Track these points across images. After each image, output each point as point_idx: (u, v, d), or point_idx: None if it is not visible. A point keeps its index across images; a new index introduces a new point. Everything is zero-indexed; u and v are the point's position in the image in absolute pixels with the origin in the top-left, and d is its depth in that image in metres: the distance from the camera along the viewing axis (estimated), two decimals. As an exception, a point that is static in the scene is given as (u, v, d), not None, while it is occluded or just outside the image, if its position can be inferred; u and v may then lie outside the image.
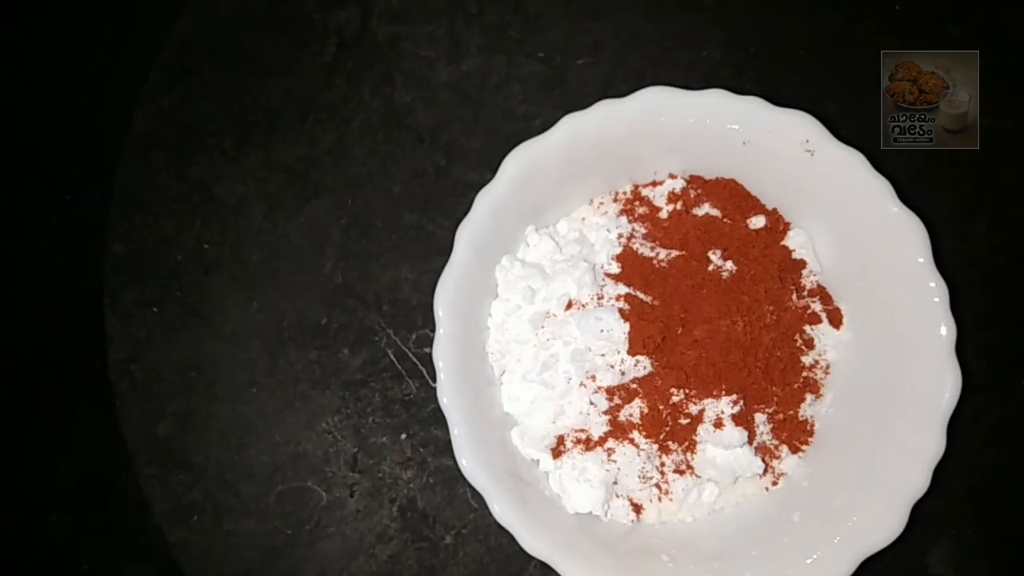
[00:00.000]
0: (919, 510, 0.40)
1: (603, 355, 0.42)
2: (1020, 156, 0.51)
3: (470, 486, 0.40)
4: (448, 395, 0.41)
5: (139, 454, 0.50)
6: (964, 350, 0.40)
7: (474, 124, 0.53)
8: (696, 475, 0.44)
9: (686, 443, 0.43)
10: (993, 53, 0.49)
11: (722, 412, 0.42)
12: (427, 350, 0.51)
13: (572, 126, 0.42)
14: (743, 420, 0.43)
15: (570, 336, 0.43)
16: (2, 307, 0.51)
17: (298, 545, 0.49)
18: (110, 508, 0.51)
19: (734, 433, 0.42)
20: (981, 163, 0.51)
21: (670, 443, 0.43)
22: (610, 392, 0.43)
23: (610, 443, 0.43)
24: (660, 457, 0.43)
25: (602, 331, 0.42)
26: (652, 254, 0.45)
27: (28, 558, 0.50)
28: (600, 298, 0.43)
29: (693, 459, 0.44)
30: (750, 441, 0.43)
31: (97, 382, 0.50)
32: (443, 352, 0.41)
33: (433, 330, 0.50)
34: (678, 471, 0.44)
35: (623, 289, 0.43)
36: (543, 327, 0.44)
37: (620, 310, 0.42)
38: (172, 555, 0.49)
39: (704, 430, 0.43)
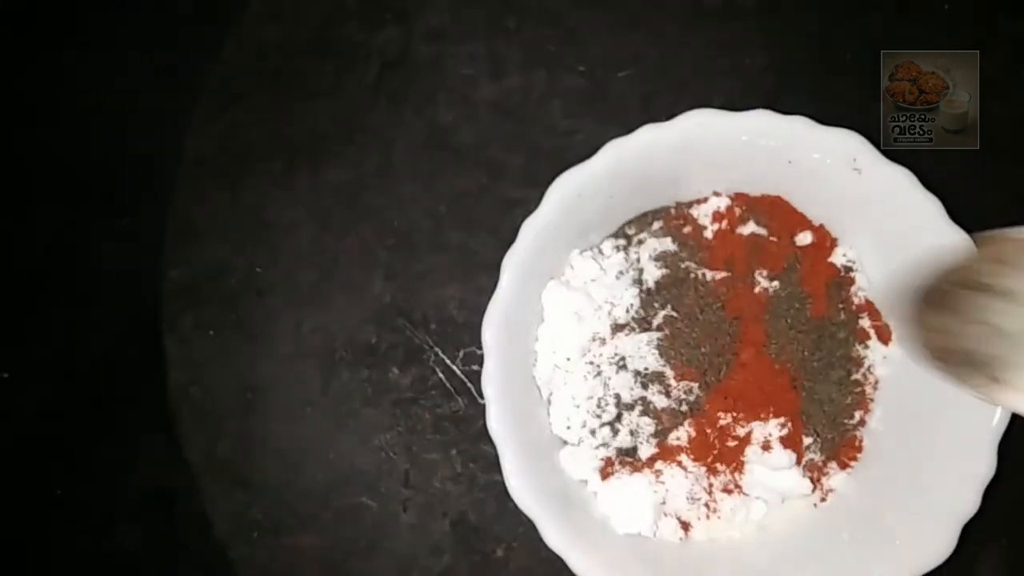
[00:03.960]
0: (969, 521, 0.40)
1: (650, 380, 0.43)
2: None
3: (519, 500, 0.41)
4: (497, 421, 0.41)
5: (201, 474, 0.51)
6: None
7: (516, 141, 0.53)
8: (744, 493, 0.44)
9: (734, 464, 0.43)
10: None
11: (770, 435, 0.43)
12: (474, 367, 0.51)
13: (616, 151, 0.42)
14: (791, 442, 0.43)
15: (617, 360, 0.43)
16: (67, 331, 0.53)
17: (354, 559, 0.51)
18: (174, 523, 0.53)
19: (782, 456, 0.42)
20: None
21: (718, 465, 0.43)
22: (657, 415, 0.43)
23: (658, 465, 0.43)
24: (708, 478, 0.43)
25: (648, 356, 0.42)
26: (698, 275, 0.45)
27: (97, 568, 0.53)
28: (646, 321, 0.44)
29: (741, 478, 0.44)
30: (798, 462, 0.43)
31: (158, 404, 0.52)
32: (492, 380, 0.42)
33: (479, 347, 0.51)
34: (726, 490, 0.44)
35: (670, 313, 0.43)
36: (590, 351, 0.44)
37: (666, 335, 0.42)
38: (235, 570, 0.51)
39: (752, 451, 0.43)
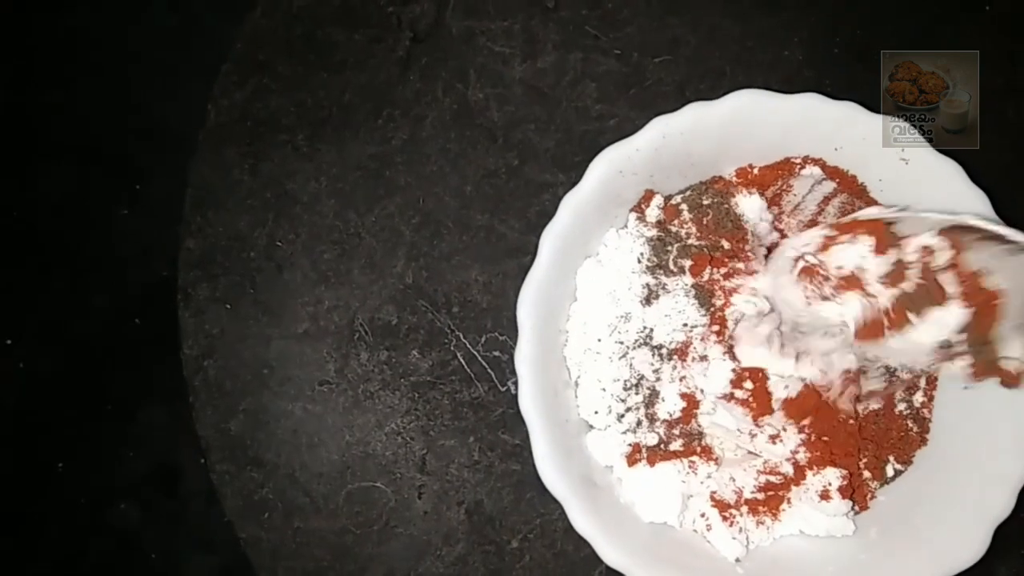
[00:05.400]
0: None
1: (673, 351, 0.42)
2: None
3: (536, 491, 0.40)
4: (529, 400, 0.40)
5: (212, 450, 0.50)
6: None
7: (548, 123, 0.52)
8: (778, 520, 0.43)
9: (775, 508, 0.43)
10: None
11: (829, 484, 0.41)
12: (496, 353, 0.50)
13: (661, 128, 0.41)
14: (850, 490, 0.42)
15: (645, 334, 0.42)
16: (75, 295, 0.52)
17: (366, 544, 0.49)
18: (179, 500, 0.51)
19: (841, 505, 0.41)
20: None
21: (760, 507, 0.43)
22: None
23: (686, 454, 0.42)
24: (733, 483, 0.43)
25: (688, 309, 0.41)
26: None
27: (97, 543, 0.51)
28: (681, 270, 0.42)
29: (779, 515, 0.43)
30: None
31: (171, 376, 0.50)
32: (525, 358, 0.40)
33: (502, 333, 0.50)
34: (758, 521, 0.43)
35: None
36: (617, 330, 0.43)
37: (700, 281, 0.42)
38: (243, 551, 0.49)
39: (807, 498, 0.42)
